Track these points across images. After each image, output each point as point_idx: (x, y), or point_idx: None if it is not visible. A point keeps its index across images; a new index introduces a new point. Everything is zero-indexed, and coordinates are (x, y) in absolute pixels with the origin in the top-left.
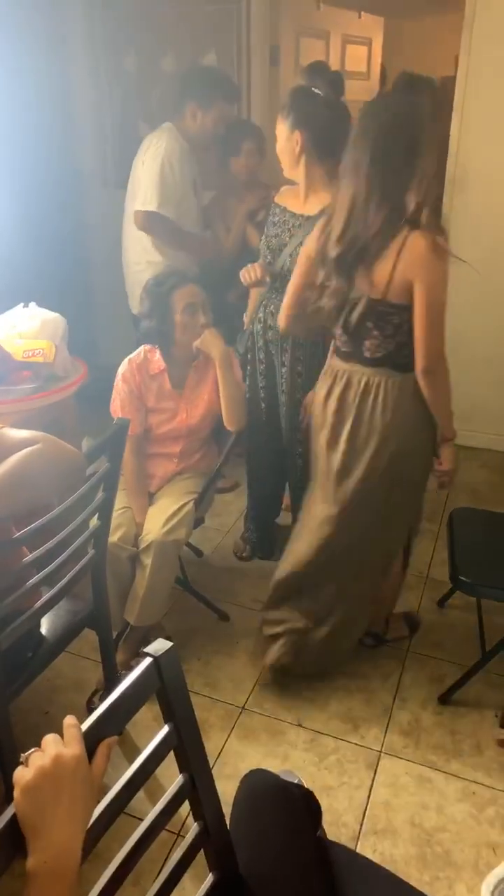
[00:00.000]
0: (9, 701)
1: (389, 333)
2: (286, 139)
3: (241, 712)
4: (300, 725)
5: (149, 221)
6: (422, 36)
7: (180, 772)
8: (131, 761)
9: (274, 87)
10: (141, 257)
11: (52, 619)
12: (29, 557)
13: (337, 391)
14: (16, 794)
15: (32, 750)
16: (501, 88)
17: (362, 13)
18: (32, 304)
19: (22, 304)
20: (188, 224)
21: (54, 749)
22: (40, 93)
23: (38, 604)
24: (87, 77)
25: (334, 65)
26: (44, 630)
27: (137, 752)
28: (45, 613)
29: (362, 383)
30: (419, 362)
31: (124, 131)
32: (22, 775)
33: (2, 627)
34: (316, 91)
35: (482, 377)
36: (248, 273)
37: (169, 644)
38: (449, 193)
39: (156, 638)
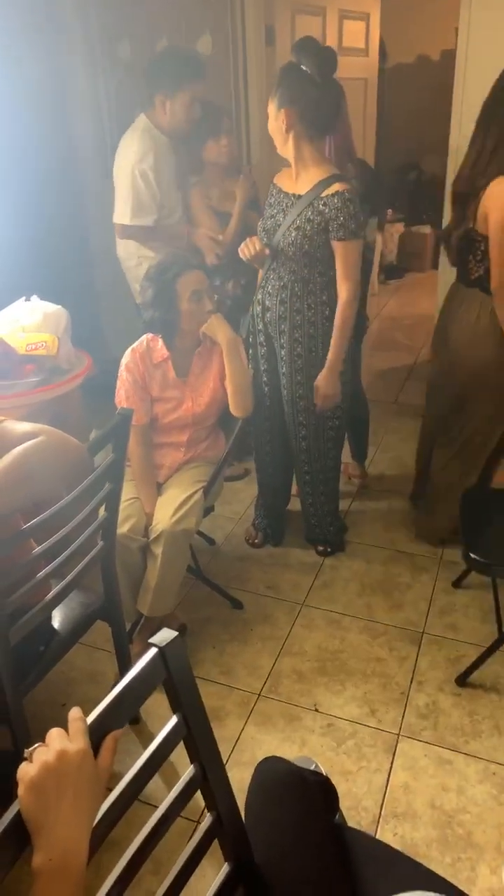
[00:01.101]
0: (23, 695)
1: (479, 259)
2: (274, 118)
3: (257, 699)
4: (316, 710)
5: (125, 232)
6: (420, 9)
7: (191, 762)
8: (146, 748)
9: (270, 67)
10: (131, 254)
11: (63, 611)
12: (37, 550)
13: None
14: (20, 790)
15: (37, 745)
16: (502, 60)
17: None
18: (34, 298)
19: (24, 298)
20: (174, 220)
21: (59, 744)
22: (36, 83)
23: (49, 597)
24: (82, 66)
25: (331, 41)
26: (56, 623)
27: (152, 739)
28: (55, 606)
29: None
30: (492, 282)
31: (121, 120)
32: (26, 771)
33: (13, 621)
34: (303, 68)
35: None
36: (247, 247)
37: (174, 634)
38: (452, 167)
39: (171, 628)
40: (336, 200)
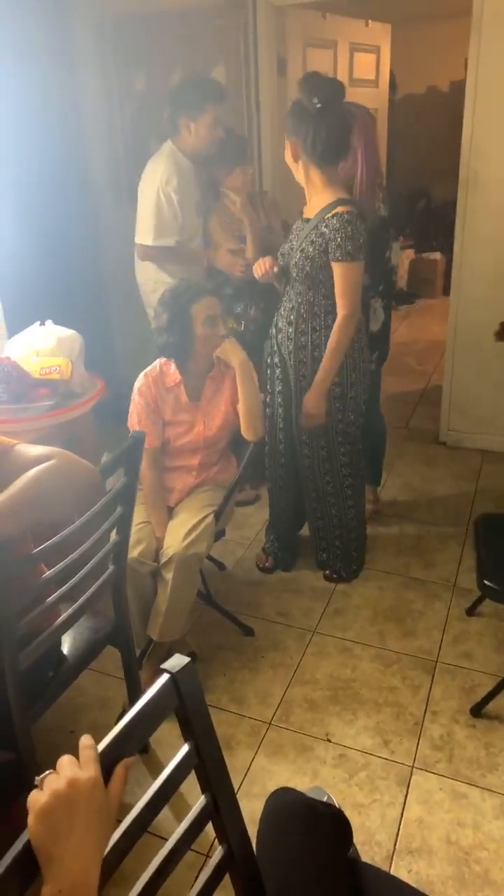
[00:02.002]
0: (31, 722)
1: None
2: (285, 148)
3: (268, 728)
4: (328, 740)
5: (147, 253)
6: (431, 41)
7: (202, 792)
8: (155, 778)
9: (282, 98)
10: (149, 278)
11: (73, 637)
12: (48, 573)
13: None
14: (30, 819)
15: (47, 772)
16: None
17: (369, 21)
18: (49, 322)
19: (38, 322)
20: (193, 245)
21: (69, 772)
22: (53, 114)
23: (59, 621)
24: (99, 99)
25: (342, 73)
26: (65, 649)
27: (161, 769)
28: (65, 631)
29: None
30: None
31: (137, 149)
32: (36, 799)
33: (22, 646)
34: (304, 103)
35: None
36: (259, 265)
37: (186, 660)
38: (462, 195)
39: (180, 654)
40: (335, 221)
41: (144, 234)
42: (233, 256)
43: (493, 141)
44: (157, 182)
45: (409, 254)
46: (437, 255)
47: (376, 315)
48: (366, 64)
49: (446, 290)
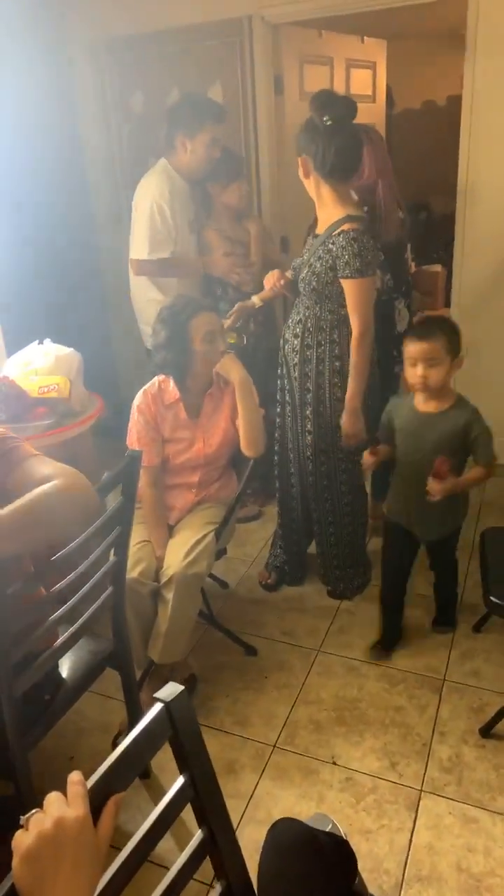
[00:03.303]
0: (29, 747)
1: None
2: (298, 165)
3: (272, 751)
4: (334, 763)
5: (142, 268)
6: (427, 56)
7: (199, 826)
8: (157, 804)
9: (280, 116)
10: (142, 296)
11: (71, 659)
12: (46, 595)
13: None
14: (14, 861)
15: (34, 811)
16: None
17: (365, 37)
18: (47, 341)
19: (37, 341)
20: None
21: (56, 810)
22: (51, 134)
23: (57, 643)
24: (96, 121)
25: (339, 89)
26: (63, 671)
27: (164, 794)
28: (63, 654)
29: None
30: None
31: (133, 168)
32: (21, 841)
33: (18, 671)
34: (315, 121)
35: None
36: (269, 279)
37: (180, 688)
38: (461, 206)
39: (181, 675)
40: (341, 239)
41: (139, 249)
42: (228, 262)
43: (490, 153)
44: (150, 196)
45: (410, 266)
46: (438, 268)
47: (401, 316)
48: (362, 80)
49: (448, 302)
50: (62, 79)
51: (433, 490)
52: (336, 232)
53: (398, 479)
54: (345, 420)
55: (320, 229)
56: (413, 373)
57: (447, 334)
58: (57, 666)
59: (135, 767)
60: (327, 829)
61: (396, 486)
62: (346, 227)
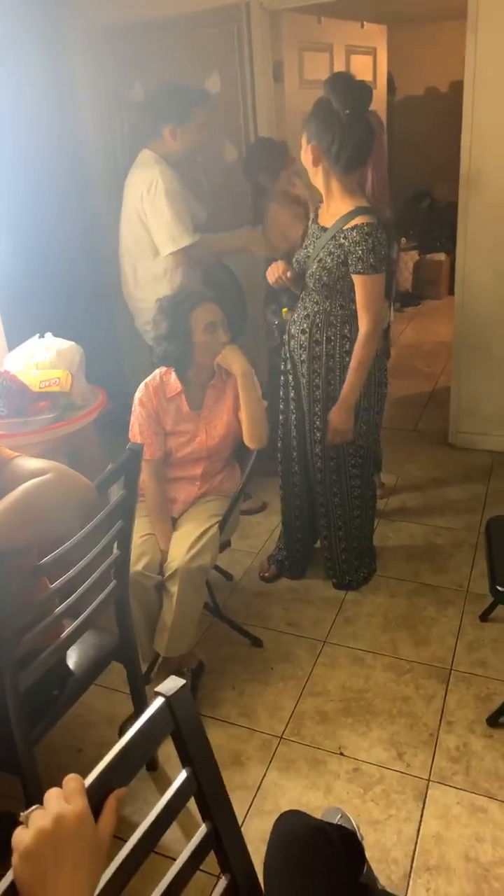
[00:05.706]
0: (34, 743)
1: None
2: (304, 151)
3: (279, 742)
4: (341, 754)
5: (186, 255)
6: (428, 42)
7: (202, 820)
8: (163, 796)
9: (279, 103)
10: (151, 295)
11: (77, 653)
12: (52, 587)
13: None
14: (14, 859)
15: (34, 807)
16: None
17: (364, 23)
18: (48, 335)
19: (38, 335)
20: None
21: (56, 807)
22: (51, 125)
23: (62, 637)
24: (96, 110)
25: None
26: (70, 666)
27: (170, 786)
28: (69, 647)
29: None
30: None
31: (135, 158)
32: (21, 839)
33: (23, 666)
34: (332, 104)
35: None
36: (273, 271)
37: (182, 682)
38: (464, 194)
39: (189, 667)
40: (355, 234)
41: (180, 237)
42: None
43: (493, 140)
44: (160, 186)
45: (414, 255)
46: (442, 256)
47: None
48: (363, 66)
49: (452, 291)
50: (60, 68)
51: None
52: (349, 226)
53: None
54: (335, 415)
55: (327, 221)
56: None
57: None
58: (64, 659)
59: (137, 762)
60: (336, 820)
61: None
62: (359, 220)
